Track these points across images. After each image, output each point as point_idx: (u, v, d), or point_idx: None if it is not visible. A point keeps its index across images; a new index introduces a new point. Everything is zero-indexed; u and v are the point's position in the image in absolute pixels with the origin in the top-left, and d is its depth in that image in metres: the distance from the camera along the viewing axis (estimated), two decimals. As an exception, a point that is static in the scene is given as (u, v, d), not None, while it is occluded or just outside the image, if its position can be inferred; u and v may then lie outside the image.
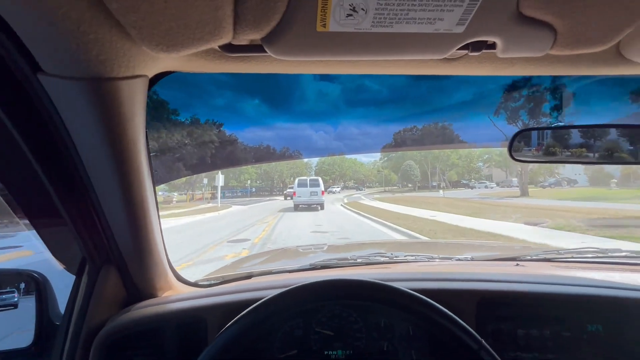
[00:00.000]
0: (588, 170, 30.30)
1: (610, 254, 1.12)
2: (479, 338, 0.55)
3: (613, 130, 0.82)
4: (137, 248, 0.77)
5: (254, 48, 0.57)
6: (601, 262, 1.08)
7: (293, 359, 0.76)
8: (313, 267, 1.05)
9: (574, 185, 30.19)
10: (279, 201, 22.73)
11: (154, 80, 0.66)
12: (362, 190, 48.54)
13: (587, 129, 0.84)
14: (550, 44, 0.55)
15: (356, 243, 2.97)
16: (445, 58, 0.63)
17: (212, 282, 1.04)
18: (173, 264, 0.96)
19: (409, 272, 0.92)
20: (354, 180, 59.31)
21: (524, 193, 21.23)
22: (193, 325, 0.78)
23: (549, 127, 0.94)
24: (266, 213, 14.95)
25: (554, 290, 0.76)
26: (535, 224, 6.70)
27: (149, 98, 0.66)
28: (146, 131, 0.69)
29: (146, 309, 0.80)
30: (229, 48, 0.57)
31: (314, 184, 17.66)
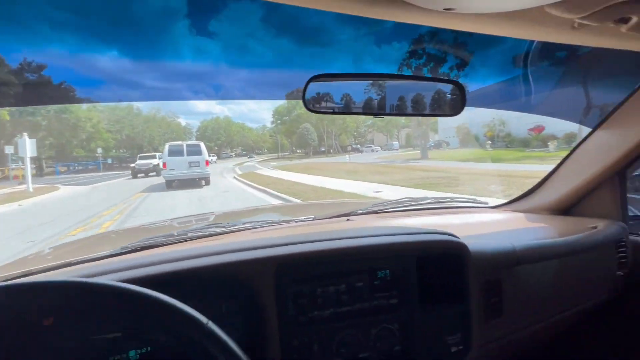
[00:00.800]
0: (459, 134, 33.75)
1: (420, 202, 1.28)
2: (203, 322, 0.46)
3: (408, 83, 0.84)
4: None
5: None
6: (413, 209, 1.26)
7: None
8: (129, 250, 0.87)
9: (448, 147, 33.40)
10: (146, 177, 16.53)
11: None
12: (253, 157, 44.48)
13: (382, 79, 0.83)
14: None
15: (247, 209, 2.13)
16: None
17: None
18: None
19: (224, 243, 0.78)
20: (242, 147, 55.03)
21: (425, 156, 21.20)
22: None
23: (341, 75, 0.81)
24: (118, 198, 9.58)
25: (347, 244, 0.76)
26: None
27: None
28: None
29: None
30: None
31: (194, 151, 13.03)
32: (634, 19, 0.62)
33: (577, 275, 0.99)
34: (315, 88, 0.79)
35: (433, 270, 0.79)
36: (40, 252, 1.39)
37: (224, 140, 44.70)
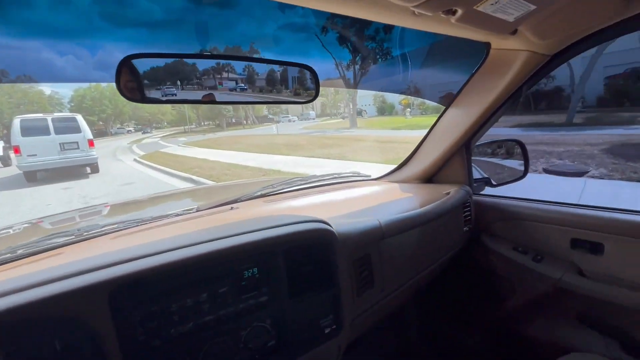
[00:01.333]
0: (376, 102, 34.30)
1: (308, 180, 1.31)
2: None
3: (259, 66, 0.74)
4: None
5: None
6: (302, 188, 1.28)
7: None
8: None
9: (367, 115, 33.80)
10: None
11: None
12: (148, 132, 37.91)
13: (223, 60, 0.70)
14: None
15: (151, 197, 1.60)
16: None
17: None
18: None
19: (46, 270, 0.61)
20: (136, 121, 47.21)
21: (354, 124, 20.32)
22: None
23: (166, 54, 0.67)
24: None
25: (209, 249, 0.66)
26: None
27: None
28: None
29: None
30: None
31: (68, 127, 9.53)
32: (459, 12, 0.69)
33: (435, 236, 1.10)
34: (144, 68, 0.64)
35: (302, 259, 0.76)
36: None
37: (111, 113, 36.15)
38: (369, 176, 1.47)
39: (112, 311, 0.56)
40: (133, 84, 0.62)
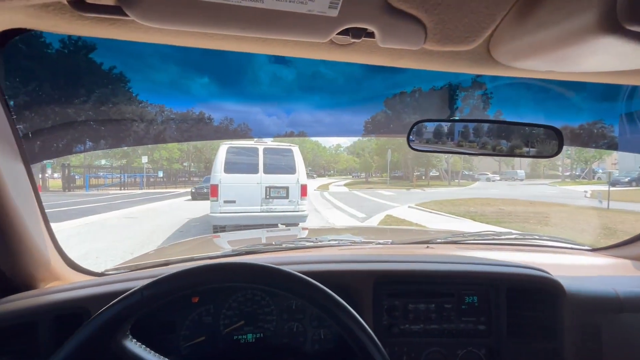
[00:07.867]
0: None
1: (503, 236, 1.27)
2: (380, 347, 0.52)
3: (502, 126, 0.89)
4: None
5: (112, 9, 0.51)
6: (494, 243, 1.23)
7: (201, 346, 0.75)
8: (237, 253, 1.03)
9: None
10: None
11: (3, 39, 0.61)
12: (314, 177, 38.07)
13: (477, 123, 0.87)
14: (423, 38, 0.58)
15: (326, 228, 2.61)
16: (332, 42, 0.64)
17: (121, 271, 0.91)
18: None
19: (321, 255, 0.93)
20: (312, 167, 50.55)
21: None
22: (73, 317, 0.66)
23: (445, 120, 0.89)
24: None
25: (438, 268, 0.81)
26: None
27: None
28: (5, 97, 0.65)
29: (15, 302, 0.66)
30: (81, 5, 0.50)
31: (276, 164, 6.10)
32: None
33: None
34: (419, 128, 0.85)
35: (523, 304, 0.77)
36: (159, 249, 1.72)
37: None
38: (584, 246, 1.24)
39: (373, 294, 0.74)
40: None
